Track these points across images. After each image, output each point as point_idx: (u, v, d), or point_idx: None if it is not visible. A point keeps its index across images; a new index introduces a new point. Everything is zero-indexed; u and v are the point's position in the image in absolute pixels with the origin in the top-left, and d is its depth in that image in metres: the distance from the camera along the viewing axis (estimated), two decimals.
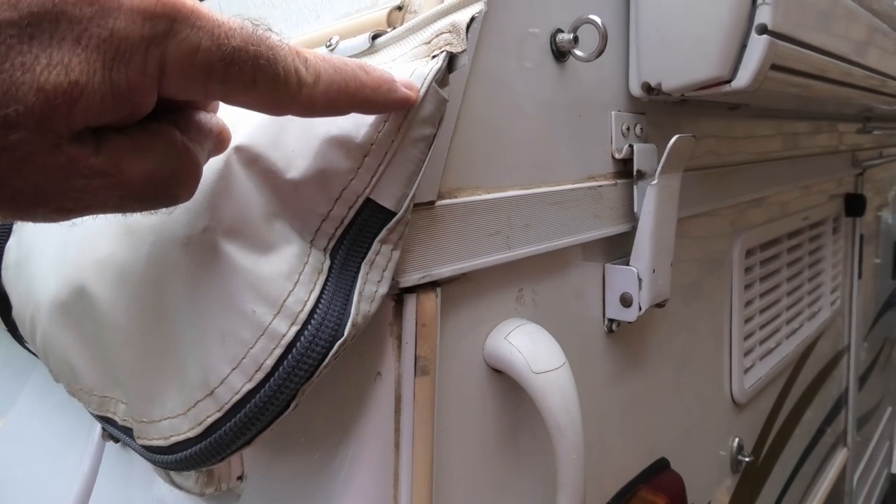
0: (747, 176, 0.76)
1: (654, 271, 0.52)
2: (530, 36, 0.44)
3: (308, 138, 0.31)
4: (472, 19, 0.31)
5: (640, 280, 0.52)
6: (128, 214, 0.30)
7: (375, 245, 0.32)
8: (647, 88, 0.51)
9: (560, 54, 0.46)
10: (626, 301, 0.53)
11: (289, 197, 0.31)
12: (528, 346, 0.42)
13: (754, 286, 0.82)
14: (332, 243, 0.32)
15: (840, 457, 1.22)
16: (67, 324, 0.33)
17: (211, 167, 0.30)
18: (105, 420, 0.33)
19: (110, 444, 0.52)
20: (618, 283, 0.53)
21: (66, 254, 0.35)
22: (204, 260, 0.29)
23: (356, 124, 0.31)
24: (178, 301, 0.29)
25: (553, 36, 0.45)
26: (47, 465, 0.55)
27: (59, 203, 0.19)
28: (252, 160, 0.31)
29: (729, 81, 0.47)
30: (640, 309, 0.52)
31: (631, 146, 0.52)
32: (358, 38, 0.39)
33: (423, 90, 0.31)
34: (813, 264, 1.01)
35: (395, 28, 0.40)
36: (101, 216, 0.23)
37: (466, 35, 0.31)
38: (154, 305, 0.30)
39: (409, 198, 0.32)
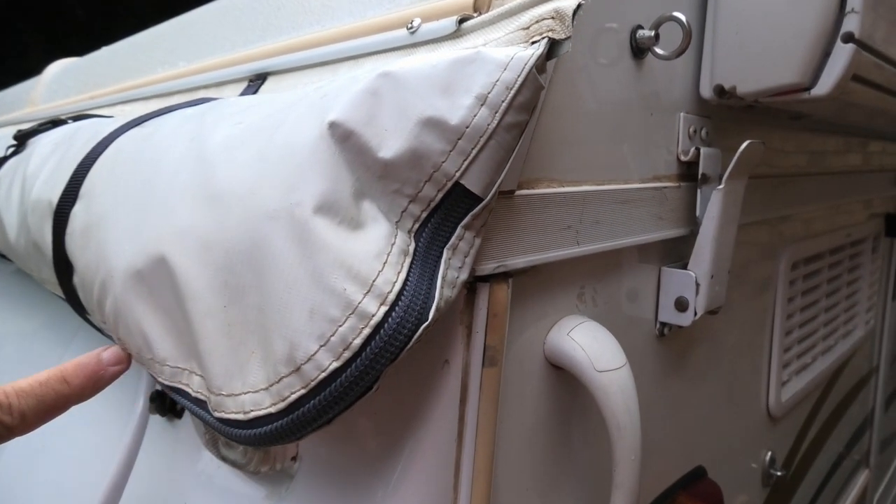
0: (800, 188, 0.75)
1: (712, 277, 0.51)
2: (609, 31, 0.44)
3: (402, 118, 0.30)
4: (579, 6, 0.30)
5: (697, 285, 0.51)
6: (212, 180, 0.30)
7: (459, 230, 0.32)
8: (720, 91, 0.50)
9: (639, 51, 0.45)
10: (681, 305, 0.52)
11: (379, 176, 0.31)
12: (591, 343, 0.41)
13: (796, 299, 0.81)
14: (416, 225, 0.32)
15: (862, 478, 1.20)
16: (142, 292, 0.33)
17: (305, 140, 0.30)
18: (176, 391, 0.33)
19: (155, 418, 0.52)
20: (674, 287, 0.52)
21: (144, 221, 0.35)
22: (294, 234, 0.29)
23: (451, 106, 0.30)
24: (265, 274, 0.29)
25: (633, 32, 0.45)
26: (90, 435, 0.55)
27: None
28: (345, 136, 0.30)
29: (808, 89, 0.46)
30: (696, 314, 0.51)
31: (697, 149, 0.51)
32: (443, 22, 0.39)
33: (522, 75, 0.30)
34: (851, 282, 1.00)
35: (481, 13, 0.39)
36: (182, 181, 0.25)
37: (573, 22, 0.30)
38: (239, 277, 0.30)
39: (497, 184, 0.32)
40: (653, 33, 0.44)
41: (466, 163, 0.31)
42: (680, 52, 0.43)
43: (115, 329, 0.36)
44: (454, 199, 0.32)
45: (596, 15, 0.43)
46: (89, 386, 0.33)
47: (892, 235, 1.11)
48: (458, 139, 0.30)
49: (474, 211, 0.32)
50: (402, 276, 0.29)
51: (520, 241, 0.37)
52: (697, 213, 0.52)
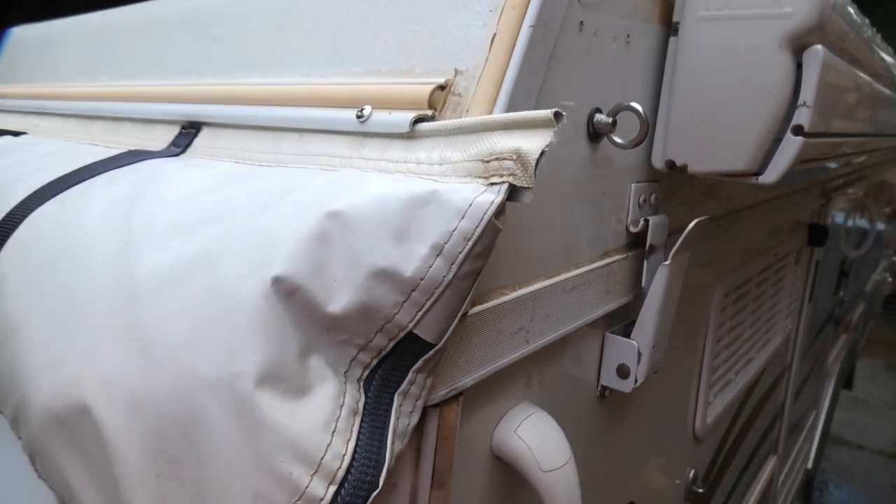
0: (738, 224, 0.77)
1: (654, 346, 0.52)
2: (566, 111, 0.42)
3: (353, 268, 0.28)
4: (543, 153, 0.29)
5: (639, 354, 0.52)
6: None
7: (411, 375, 0.31)
8: (671, 165, 0.49)
9: (595, 136, 0.44)
10: (623, 372, 0.53)
11: (326, 328, 0.29)
12: (537, 441, 0.41)
13: (725, 324, 0.84)
14: (366, 373, 0.30)
15: (770, 465, 1.30)
16: (65, 440, 0.30)
17: (245, 295, 0.27)
18: None
19: None
20: (617, 355, 0.53)
21: (63, 347, 0.32)
22: (234, 410, 0.26)
23: (405, 256, 0.28)
24: (203, 449, 0.27)
25: (591, 116, 0.43)
26: None
27: None
28: (291, 291, 0.28)
29: (757, 174, 0.46)
30: (637, 382, 0.52)
31: (646, 220, 0.51)
32: (395, 116, 0.36)
33: (481, 226, 0.28)
34: (774, 294, 1.05)
35: (435, 110, 0.37)
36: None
37: (535, 172, 0.29)
38: (173, 447, 0.27)
39: (451, 329, 0.30)
40: (610, 120, 0.43)
41: (420, 314, 0.29)
42: (637, 143, 0.42)
43: (34, 461, 0.33)
44: (406, 347, 0.30)
45: (553, 94, 0.41)
46: None
47: (814, 244, 1.17)
48: (412, 291, 0.29)
49: (427, 356, 0.30)
50: (352, 444, 0.28)
51: (471, 360, 0.36)
52: (643, 283, 0.52)
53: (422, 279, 0.28)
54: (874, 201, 1.80)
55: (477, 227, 0.28)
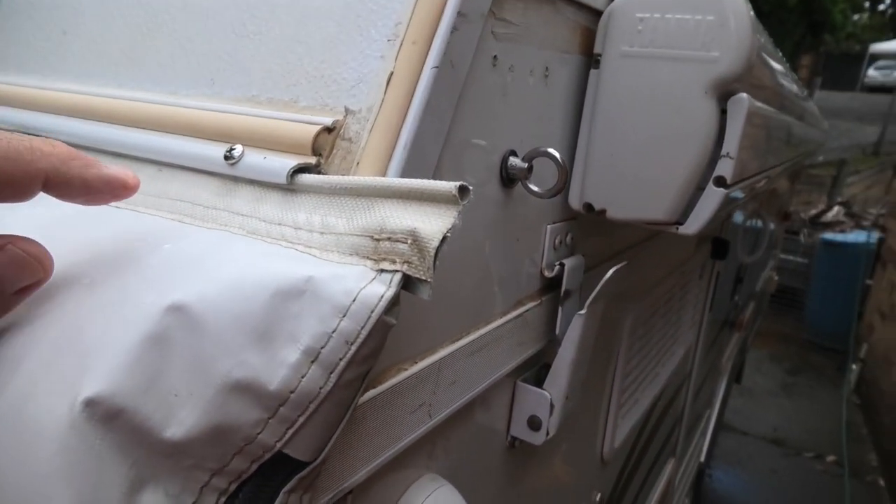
0: (647, 252, 0.75)
1: (567, 398, 0.49)
2: (477, 151, 0.37)
3: (200, 381, 0.22)
4: (444, 239, 0.23)
5: (552, 406, 0.48)
6: None
7: (282, 496, 0.25)
8: (589, 208, 0.46)
9: (509, 181, 0.39)
10: (534, 424, 0.49)
11: (165, 456, 0.22)
12: None
13: (634, 347, 0.83)
14: (223, 499, 0.24)
15: (669, 467, 1.33)
16: None
17: (46, 432, 0.21)
18: None
19: None
20: (528, 405, 0.49)
21: None
22: None
23: (270, 363, 0.23)
24: None
25: (505, 159, 0.38)
26: None
27: None
28: (111, 416, 0.21)
29: (678, 224, 0.43)
30: (548, 434, 0.49)
31: (562, 263, 0.47)
32: (272, 161, 0.30)
33: (367, 327, 0.23)
34: (679, 310, 1.06)
35: (321, 157, 0.31)
36: None
37: (434, 262, 0.23)
38: None
39: (331, 442, 0.25)
40: (526, 165, 0.38)
41: (291, 432, 0.23)
42: (556, 193, 0.38)
43: None
44: (273, 467, 0.24)
45: (461, 136, 0.36)
46: (76, 163, 0.23)
47: (716, 258, 1.20)
48: (280, 406, 0.23)
49: (301, 474, 0.25)
50: None
51: (363, 453, 0.31)
52: (557, 330, 0.49)
53: (292, 392, 0.23)
54: (767, 209, 1.89)
55: (362, 328, 0.23)
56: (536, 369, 0.51)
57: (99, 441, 0.21)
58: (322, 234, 0.27)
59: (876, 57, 13.69)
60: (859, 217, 4.79)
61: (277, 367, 0.23)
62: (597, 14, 0.44)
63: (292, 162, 0.29)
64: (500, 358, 0.43)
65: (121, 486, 0.21)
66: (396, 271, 0.24)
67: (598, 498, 0.82)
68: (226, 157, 0.31)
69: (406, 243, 0.24)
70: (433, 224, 0.24)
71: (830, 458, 2.88)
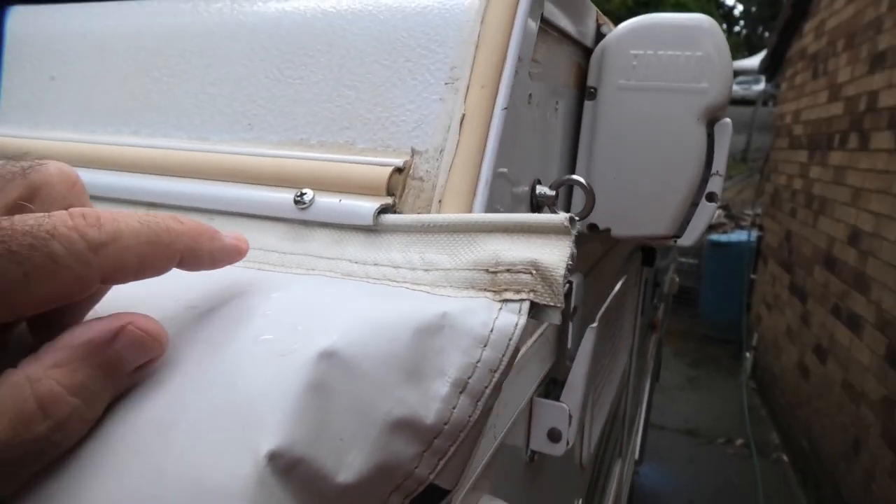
0: (606, 264, 0.80)
1: (583, 407, 0.51)
2: (513, 182, 0.39)
3: (363, 424, 0.23)
4: (568, 267, 0.25)
5: (570, 417, 0.51)
6: None
7: None
8: (593, 228, 0.49)
9: (538, 208, 0.42)
10: (554, 436, 0.51)
11: (333, 501, 0.23)
12: None
13: (599, 353, 0.88)
14: None
15: (618, 468, 1.40)
16: None
17: (227, 491, 0.20)
18: None
19: None
20: (547, 419, 0.51)
21: None
22: None
23: (424, 398, 0.23)
24: None
25: (532, 188, 0.41)
26: None
27: None
28: (291, 467, 0.21)
29: (676, 237, 0.48)
30: (568, 444, 0.51)
31: (570, 281, 0.50)
32: (350, 204, 0.30)
33: (508, 354, 0.25)
34: (623, 316, 1.13)
35: (394, 196, 0.32)
36: None
37: (562, 289, 0.25)
38: None
39: (465, 468, 0.26)
40: (554, 193, 0.41)
41: (442, 463, 0.24)
42: (585, 216, 0.41)
43: None
44: (419, 500, 0.25)
45: (503, 170, 0.38)
46: (205, 236, 0.24)
47: (646, 265, 1.28)
48: (434, 438, 0.24)
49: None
50: None
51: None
52: (570, 344, 0.51)
53: (445, 424, 0.24)
54: None
55: (503, 355, 0.24)
56: (546, 384, 0.54)
57: (281, 491, 0.21)
58: (427, 272, 0.28)
59: (735, 74, 15.19)
60: (738, 218, 5.27)
61: (430, 401, 0.24)
62: (587, 50, 0.48)
63: (372, 203, 0.30)
64: (530, 377, 0.45)
65: None
66: (523, 300, 0.25)
67: (580, 503, 0.85)
68: (296, 202, 0.32)
69: (530, 273, 0.26)
70: (552, 254, 0.26)
71: (739, 441, 3.11)
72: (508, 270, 0.26)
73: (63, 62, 0.43)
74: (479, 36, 0.32)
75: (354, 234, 0.30)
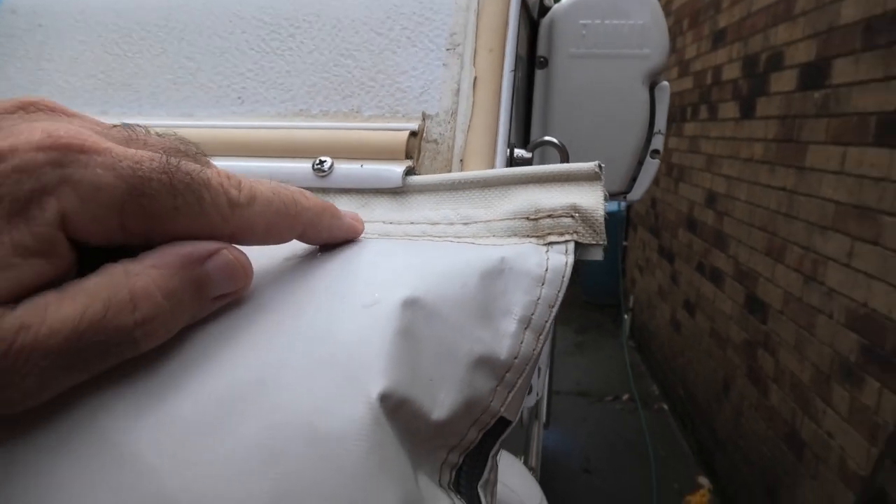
0: None
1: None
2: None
3: (449, 363, 0.24)
4: (605, 208, 0.28)
5: (539, 369, 0.54)
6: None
7: (490, 461, 0.27)
8: None
9: None
10: None
11: (426, 438, 0.24)
12: (518, 485, 0.41)
13: None
14: (453, 474, 0.26)
15: (535, 430, 1.48)
16: None
17: (347, 436, 0.21)
18: None
19: None
20: None
21: None
22: None
23: (496, 336, 0.25)
24: None
25: (511, 151, 0.43)
26: None
27: None
28: (397, 406, 0.22)
29: (626, 193, 0.52)
30: (538, 395, 0.55)
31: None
32: (373, 168, 0.31)
33: (562, 290, 0.27)
34: None
35: (413, 158, 0.33)
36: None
37: (604, 227, 0.28)
38: None
39: (524, 403, 0.28)
40: (530, 154, 0.44)
41: (511, 396, 0.26)
42: None
43: None
44: (491, 433, 0.27)
45: None
46: (326, 213, 0.26)
47: None
48: (506, 373, 0.26)
49: (503, 436, 0.28)
50: None
51: None
52: None
53: (515, 358, 0.26)
54: None
55: (559, 291, 0.27)
56: None
57: (394, 435, 0.22)
58: (465, 225, 0.29)
59: None
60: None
61: (502, 338, 0.25)
62: (533, 21, 0.51)
63: (396, 167, 0.31)
64: None
65: (412, 476, 0.23)
66: (567, 241, 0.28)
67: None
68: (315, 170, 0.32)
69: (571, 217, 0.28)
70: (589, 198, 0.28)
71: (625, 396, 3.37)
72: (550, 216, 0.28)
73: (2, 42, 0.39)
74: (479, 3, 0.34)
75: (379, 197, 0.31)
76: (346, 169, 0.32)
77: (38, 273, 0.18)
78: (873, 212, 1.54)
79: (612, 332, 4.24)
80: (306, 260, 0.27)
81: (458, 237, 0.29)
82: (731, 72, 2.57)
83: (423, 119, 0.33)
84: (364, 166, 0.32)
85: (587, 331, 4.33)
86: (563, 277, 0.27)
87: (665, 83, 0.50)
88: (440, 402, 0.24)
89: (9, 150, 0.17)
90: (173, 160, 0.20)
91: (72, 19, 0.39)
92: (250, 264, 0.23)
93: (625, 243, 4.37)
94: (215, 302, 0.23)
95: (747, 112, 2.38)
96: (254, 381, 0.22)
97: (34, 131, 0.18)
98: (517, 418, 0.28)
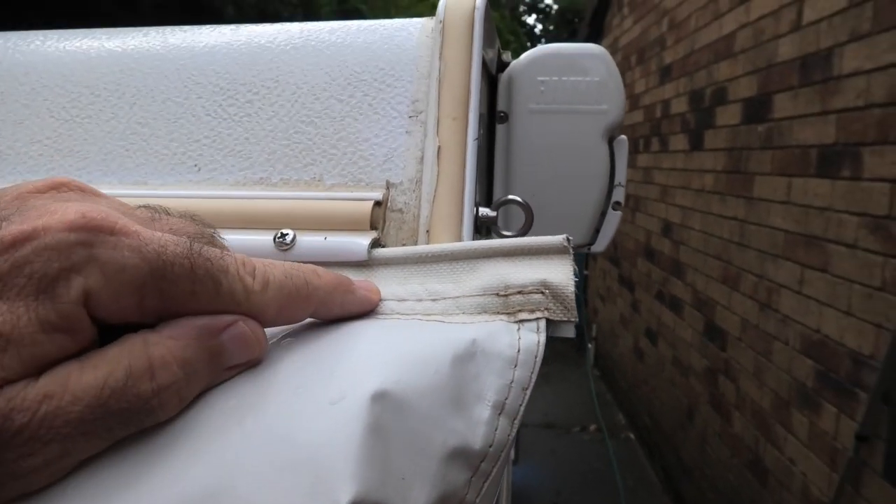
0: None
1: None
2: None
3: (422, 459, 0.23)
4: (574, 283, 0.28)
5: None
6: None
7: None
8: None
9: (478, 229, 0.44)
10: None
11: None
12: None
13: None
14: None
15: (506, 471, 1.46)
16: None
17: None
18: None
19: None
20: None
21: None
22: None
23: (469, 425, 0.24)
24: None
25: (476, 210, 0.43)
26: None
27: (15, 453, 0.17)
28: None
29: (590, 245, 0.52)
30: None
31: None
32: (337, 241, 0.30)
33: (535, 371, 0.26)
34: None
35: (378, 229, 0.32)
36: None
37: (574, 304, 0.27)
38: None
39: (500, 487, 0.27)
40: (495, 213, 0.43)
41: (486, 485, 0.25)
42: (525, 232, 0.44)
43: None
44: None
45: None
46: (339, 289, 0.26)
47: None
48: (481, 462, 0.25)
49: None
50: None
51: None
52: None
53: (490, 447, 0.25)
54: None
55: (532, 373, 0.26)
56: None
57: None
58: (434, 301, 0.29)
59: None
60: None
61: (475, 426, 0.24)
62: (492, 77, 0.51)
63: (361, 239, 0.30)
64: None
65: None
66: (538, 319, 0.27)
67: None
68: (277, 243, 0.31)
69: (542, 293, 0.27)
70: (559, 273, 0.28)
71: (592, 427, 3.38)
72: (520, 292, 0.28)
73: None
74: (441, 71, 0.34)
75: (344, 271, 0.30)
76: (308, 241, 0.31)
77: (60, 348, 0.18)
78: (820, 240, 1.60)
79: (577, 361, 4.26)
80: (272, 346, 0.25)
81: (427, 314, 0.28)
82: (679, 105, 2.66)
83: (388, 188, 0.33)
84: (328, 238, 0.31)
85: (552, 361, 4.34)
86: (535, 358, 0.26)
87: (623, 137, 0.51)
88: (414, 500, 0.22)
89: (42, 229, 0.18)
90: (196, 246, 0.21)
91: (15, 82, 0.38)
92: (264, 335, 0.24)
93: (586, 272, 4.43)
94: (229, 371, 0.23)
95: (696, 144, 2.47)
96: (204, 494, 0.20)
97: (67, 212, 0.19)
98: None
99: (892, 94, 1.32)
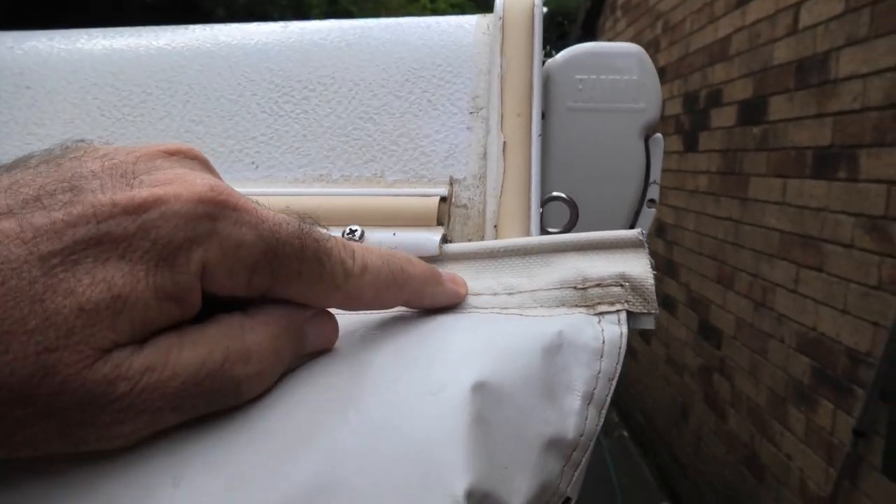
0: None
1: None
2: None
3: (522, 447, 0.23)
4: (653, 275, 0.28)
5: None
6: None
7: None
8: None
9: None
10: None
11: None
12: None
13: None
14: None
15: None
16: None
17: None
18: None
19: None
20: None
21: None
22: None
23: (562, 415, 0.24)
24: None
25: None
26: None
27: (110, 417, 0.17)
28: (481, 501, 0.21)
29: None
30: None
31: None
32: (407, 236, 0.30)
33: (620, 362, 0.26)
34: None
35: (444, 225, 0.32)
36: None
37: (656, 296, 0.28)
38: None
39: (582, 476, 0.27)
40: (541, 210, 0.44)
41: (576, 474, 0.25)
42: (569, 229, 0.44)
43: None
44: None
45: None
46: (431, 281, 0.26)
47: None
48: (573, 451, 0.25)
49: None
50: None
51: None
52: None
53: (581, 436, 0.25)
54: None
55: (617, 364, 0.26)
56: None
57: None
58: (510, 295, 0.29)
59: None
60: None
61: (567, 416, 0.25)
62: None
63: (429, 234, 0.30)
64: None
65: None
66: (619, 311, 0.27)
67: None
68: (346, 235, 0.30)
69: (621, 286, 0.28)
70: (637, 266, 0.28)
71: None
72: (598, 285, 0.28)
73: None
74: (503, 68, 0.34)
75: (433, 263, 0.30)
76: (377, 237, 0.31)
77: (168, 317, 0.18)
78: (815, 240, 1.62)
79: None
80: (358, 337, 0.25)
81: (504, 308, 0.28)
82: (673, 107, 2.69)
83: (451, 184, 0.33)
84: (396, 234, 0.31)
85: None
86: (619, 349, 0.26)
87: (658, 135, 0.52)
88: (517, 490, 0.23)
89: (174, 196, 0.18)
90: (304, 226, 0.21)
91: (63, 80, 0.37)
92: (337, 325, 0.24)
93: None
94: (302, 359, 0.23)
95: (690, 145, 2.49)
96: (317, 487, 0.20)
97: (197, 183, 0.19)
98: (576, 496, 0.27)
99: (889, 98, 1.35)
